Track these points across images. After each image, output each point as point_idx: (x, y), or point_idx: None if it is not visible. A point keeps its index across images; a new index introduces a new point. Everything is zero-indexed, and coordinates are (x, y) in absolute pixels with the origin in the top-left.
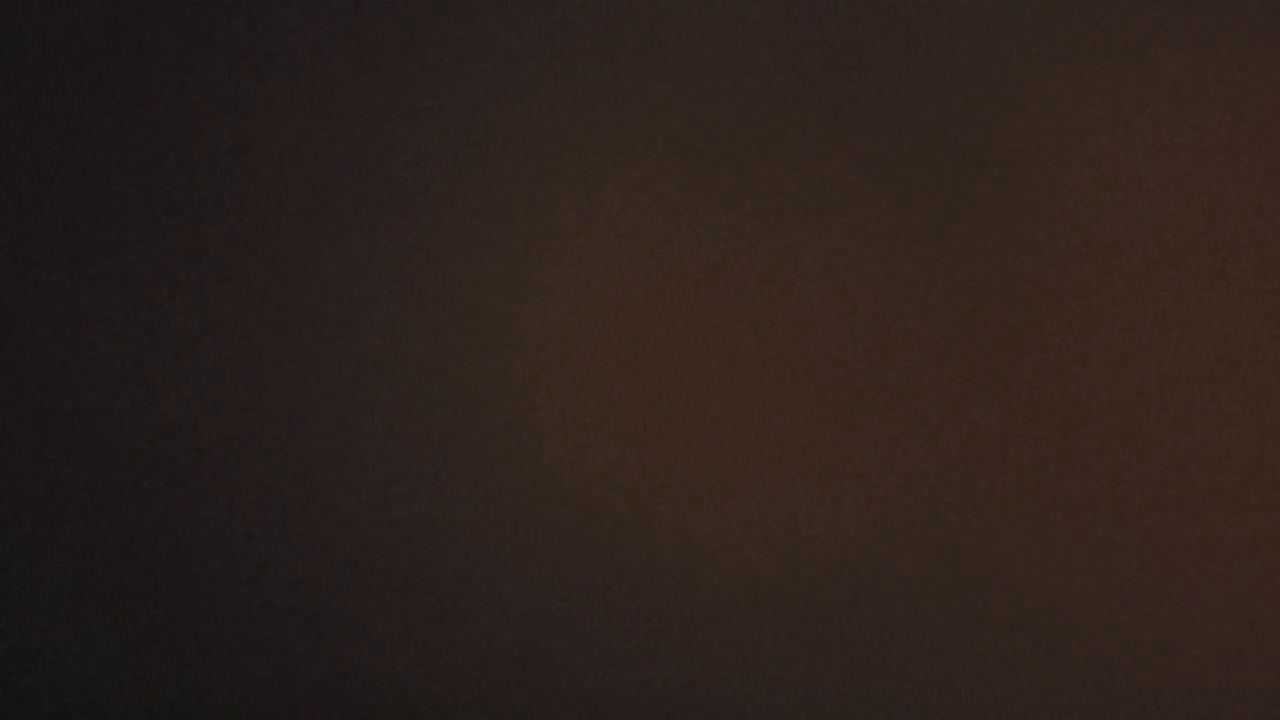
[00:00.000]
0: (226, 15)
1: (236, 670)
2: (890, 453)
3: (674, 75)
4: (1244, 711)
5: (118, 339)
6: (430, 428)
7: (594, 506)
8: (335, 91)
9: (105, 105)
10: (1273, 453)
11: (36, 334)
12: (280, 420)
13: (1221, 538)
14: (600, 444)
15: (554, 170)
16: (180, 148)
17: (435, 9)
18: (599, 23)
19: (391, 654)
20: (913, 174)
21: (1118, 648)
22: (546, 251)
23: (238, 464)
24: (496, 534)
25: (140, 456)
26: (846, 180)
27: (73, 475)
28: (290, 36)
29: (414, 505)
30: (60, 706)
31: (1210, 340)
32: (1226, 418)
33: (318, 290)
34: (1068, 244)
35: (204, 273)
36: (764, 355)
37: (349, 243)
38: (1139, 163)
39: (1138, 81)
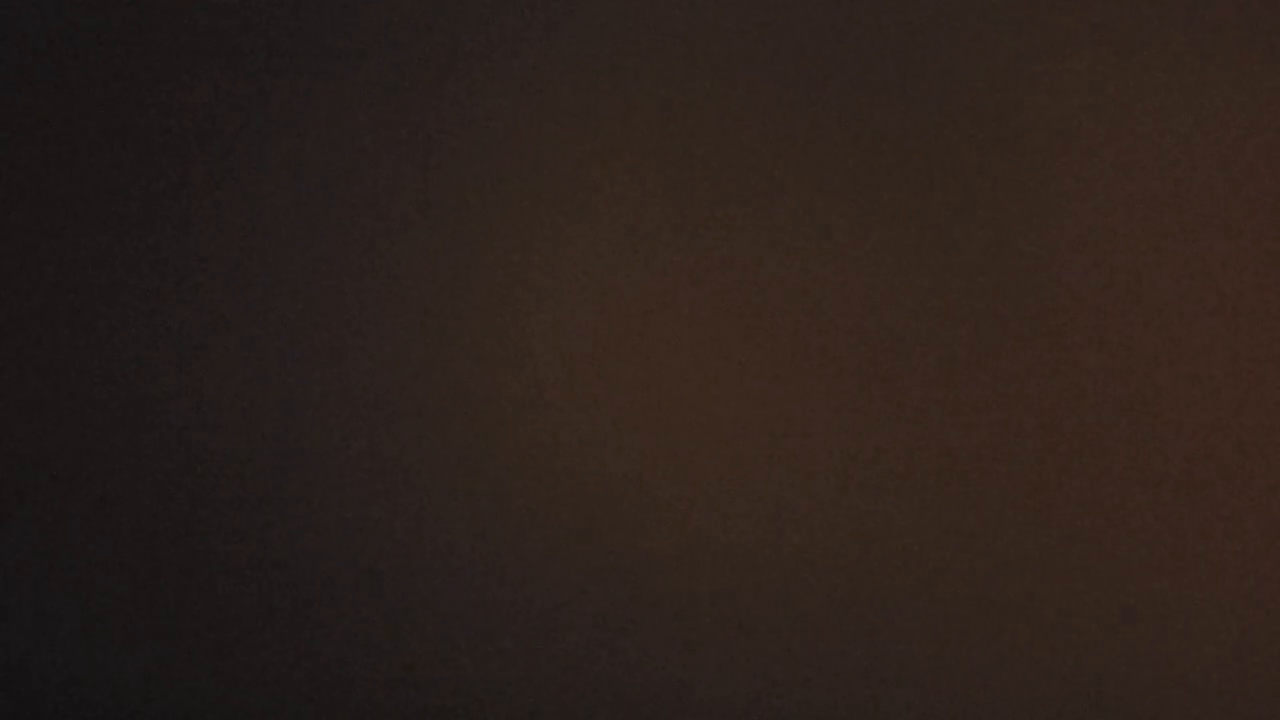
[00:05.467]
0: (226, 15)
1: (233, 670)
2: (891, 451)
3: (674, 75)
4: (1244, 711)
5: (118, 339)
6: (430, 427)
7: (592, 506)
8: (336, 92)
9: (105, 105)
10: (1273, 450)
11: (37, 334)
12: (279, 420)
13: (1222, 535)
14: (599, 443)
15: (554, 167)
16: (181, 148)
17: (435, 9)
18: (600, 23)
19: (391, 653)
20: (912, 172)
21: (1118, 646)
22: (546, 251)
23: (236, 464)
24: (496, 533)
25: (138, 456)
26: (847, 179)
27: (73, 476)
28: (290, 37)
29: (413, 504)
30: (60, 706)
31: (1210, 338)
32: (1226, 415)
33: (318, 290)
34: (1067, 242)
35: (205, 272)
36: (763, 353)
37: (349, 243)
38: (1138, 161)
39: (1137, 80)
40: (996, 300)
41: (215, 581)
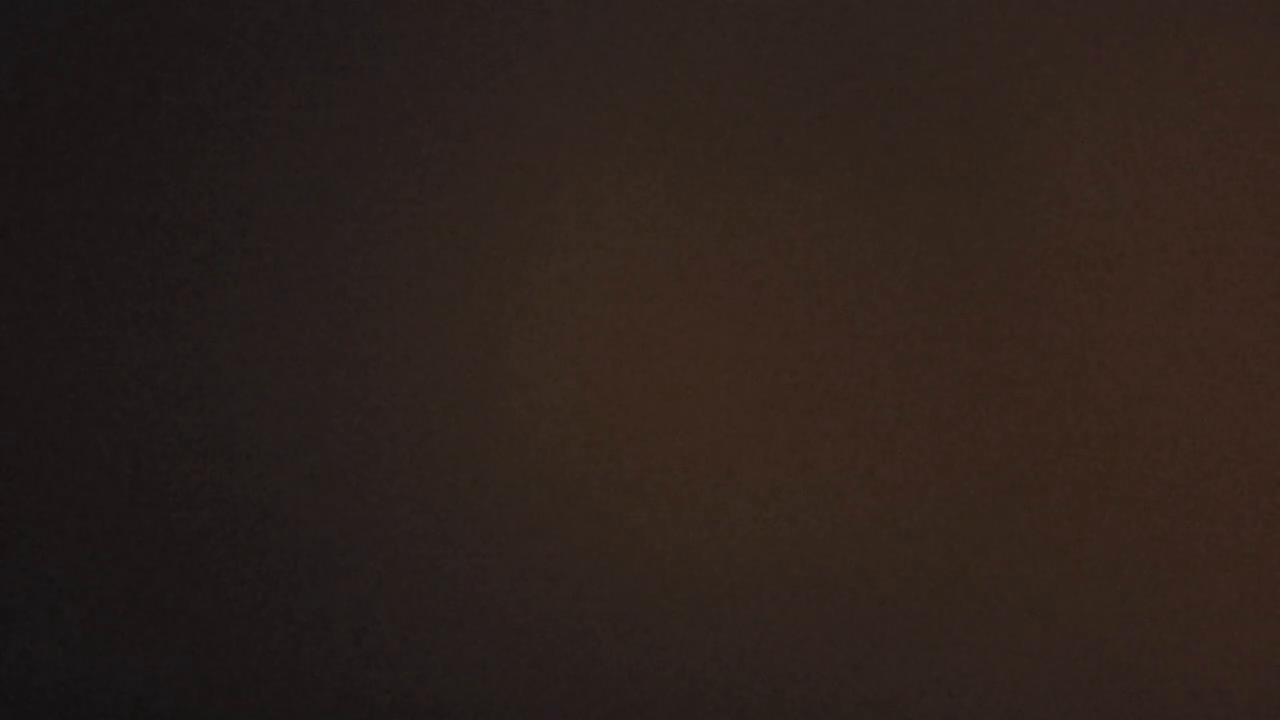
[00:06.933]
0: (226, 14)
1: (230, 671)
2: (890, 452)
3: (673, 75)
4: (1244, 711)
5: (117, 339)
6: (432, 428)
7: (596, 507)
8: (336, 92)
9: (105, 105)
10: (1273, 452)
11: (36, 334)
12: (279, 421)
13: (1223, 537)
14: (598, 445)
15: (552, 167)
16: (180, 147)
17: (435, 8)
18: (600, 22)
19: (389, 653)
20: (912, 174)
21: (1118, 648)
22: (544, 251)
23: (235, 464)
24: (493, 534)
25: (137, 457)
26: (846, 181)
27: (73, 476)
28: (290, 36)
29: (412, 504)
30: (60, 707)
31: (1210, 340)
32: (1227, 418)
33: (316, 289)
34: (1066, 244)
35: (202, 271)
36: (762, 355)
37: (348, 242)
38: (1138, 163)
39: (1137, 81)
40: (998, 303)
41: (212, 582)
